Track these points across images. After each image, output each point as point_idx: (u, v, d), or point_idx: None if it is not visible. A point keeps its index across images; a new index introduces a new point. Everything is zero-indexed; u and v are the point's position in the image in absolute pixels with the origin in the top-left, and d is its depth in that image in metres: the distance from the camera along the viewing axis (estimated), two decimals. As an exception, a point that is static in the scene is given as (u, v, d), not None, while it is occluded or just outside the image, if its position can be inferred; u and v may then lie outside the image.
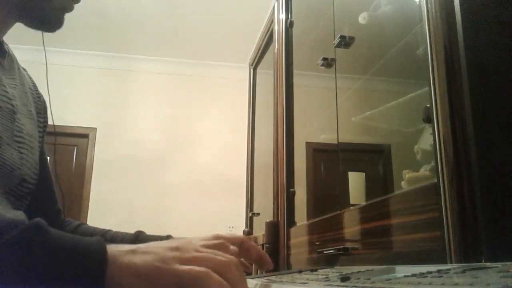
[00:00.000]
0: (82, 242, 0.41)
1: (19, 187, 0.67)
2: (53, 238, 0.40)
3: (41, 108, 0.83)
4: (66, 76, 4.19)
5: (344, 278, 0.41)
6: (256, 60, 2.63)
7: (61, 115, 4.07)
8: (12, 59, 0.75)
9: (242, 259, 0.60)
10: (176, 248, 0.43)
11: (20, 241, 0.39)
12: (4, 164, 0.61)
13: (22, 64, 0.81)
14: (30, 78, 0.84)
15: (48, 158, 0.87)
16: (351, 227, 1.12)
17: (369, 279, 0.41)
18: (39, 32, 0.73)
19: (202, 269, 0.41)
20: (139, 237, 0.83)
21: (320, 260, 1.26)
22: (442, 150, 0.72)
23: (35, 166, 0.73)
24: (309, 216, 1.65)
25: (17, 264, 0.38)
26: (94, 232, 0.85)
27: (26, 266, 0.38)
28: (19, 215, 0.65)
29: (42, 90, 0.88)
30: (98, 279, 0.39)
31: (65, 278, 0.38)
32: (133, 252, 0.42)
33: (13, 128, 0.66)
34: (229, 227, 4.04)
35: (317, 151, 1.92)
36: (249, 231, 2.33)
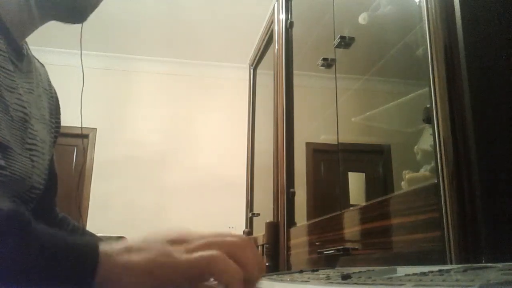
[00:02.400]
0: (71, 240, 0.37)
1: (27, 193, 0.67)
2: (37, 232, 0.36)
3: (53, 108, 0.82)
4: (66, 76, 4.18)
5: (345, 277, 0.41)
6: (256, 61, 2.63)
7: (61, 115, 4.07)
8: (29, 61, 0.75)
9: None
10: (177, 241, 0.39)
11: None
12: (14, 175, 0.61)
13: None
14: (46, 74, 0.83)
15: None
16: (351, 227, 1.12)
17: (370, 277, 0.41)
18: (37, 32, 0.73)
19: (215, 252, 0.36)
20: None
21: (320, 261, 1.26)
22: (442, 151, 0.72)
23: (45, 172, 0.73)
24: (309, 217, 1.65)
25: None
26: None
27: (3, 257, 0.34)
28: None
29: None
30: (87, 283, 0.35)
31: (48, 278, 0.34)
32: (128, 250, 0.38)
33: (25, 136, 0.66)
34: (229, 227, 4.05)
35: (317, 152, 1.92)
36: (249, 232, 2.33)
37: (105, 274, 0.36)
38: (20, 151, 0.64)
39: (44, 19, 0.71)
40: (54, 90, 0.85)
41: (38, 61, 0.80)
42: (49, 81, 0.83)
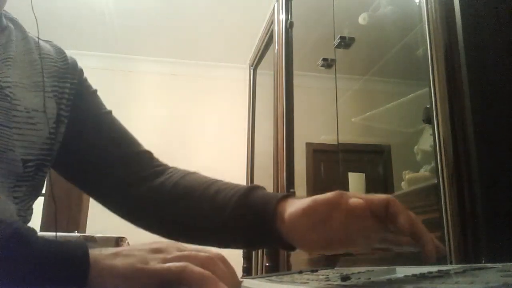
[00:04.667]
0: (64, 247, 0.42)
1: (27, 170, 0.65)
2: (34, 245, 0.40)
3: (64, 72, 0.78)
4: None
5: (345, 278, 0.41)
6: (256, 61, 2.63)
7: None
8: (10, 32, 0.72)
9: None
10: (159, 250, 0.43)
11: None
12: None
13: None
14: (50, 44, 0.79)
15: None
16: (351, 227, 1.12)
17: (369, 278, 0.41)
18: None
19: (181, 263, 0.41)
20: (249, 195, 0.65)
21: (320, 261, 1.26)
22: (442, 151, 0.72)
23: (43, 140, 0.69)
24: (309, 217, 1.64)
25: None
26: (200, 182, 0.75)
27: (4, 271, 0.37)
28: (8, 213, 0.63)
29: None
30: (80, 284, 0.39)
31: (46, 284, 0.38)
32: (115, 255, 0.42)
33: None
34: (229, 228, 4.05)
35: (317, 152, 1.92)
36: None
37: (93, 278, 0.40)
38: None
39: None
40: (68, 57, 0.80)
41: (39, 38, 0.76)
42: (56, 51, 0.79)
